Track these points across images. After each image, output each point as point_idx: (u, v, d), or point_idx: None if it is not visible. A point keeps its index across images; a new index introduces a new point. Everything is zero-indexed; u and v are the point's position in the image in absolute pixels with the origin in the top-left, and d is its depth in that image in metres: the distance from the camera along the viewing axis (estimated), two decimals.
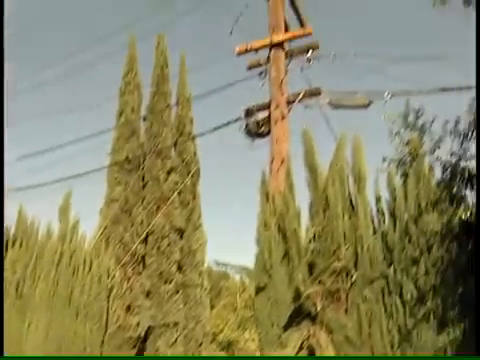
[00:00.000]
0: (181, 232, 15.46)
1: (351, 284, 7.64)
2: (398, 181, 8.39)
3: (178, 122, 16.04)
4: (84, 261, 12.20)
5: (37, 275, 12.08)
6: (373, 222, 8.10)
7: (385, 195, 8.30)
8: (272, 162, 8.14)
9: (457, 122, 8.77)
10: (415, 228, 7.81)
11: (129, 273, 14.55)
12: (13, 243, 12.65)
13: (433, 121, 9.14)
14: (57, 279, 11.95)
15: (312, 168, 7.78)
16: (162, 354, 13.36)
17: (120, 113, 16.08)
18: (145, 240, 15.02)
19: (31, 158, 13.83)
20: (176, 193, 14.98)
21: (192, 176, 15.59)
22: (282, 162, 7.97)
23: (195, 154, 16.01)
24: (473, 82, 8.66)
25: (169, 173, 15.43)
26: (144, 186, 15.65)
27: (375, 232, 7.99)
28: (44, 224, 12.92)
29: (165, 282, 14.51)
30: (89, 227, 15.15)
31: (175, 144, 15.39)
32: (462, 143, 8.99)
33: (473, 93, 8.61)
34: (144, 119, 15.97)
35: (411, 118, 9.13)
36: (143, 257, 14.84)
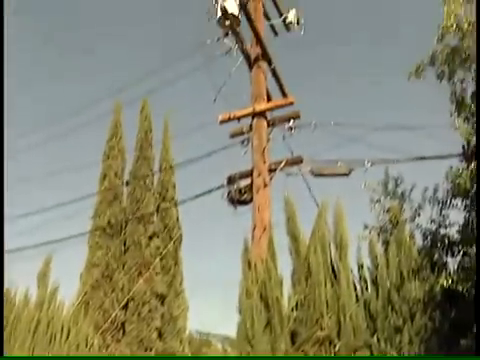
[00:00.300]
0: (162, 298, 15.23)
1: (334, 354, 7.51)
2: (380, 248, 8.45)
3: (161, 187, 16.12)
4: (62, 328, 11.87)
5: (12, 344, 11.71)
6: (356, 290, 8.06)
7: (367, 263, 8.33)
8: (254, 229, 8.16)
9: (435, 190, 8.99)
10: (398, 296, 7.80)
11: (108, 340, 14.19)
12: None
13: (412, 189, 9.36)
14: (33, 348, 11.58)
15: (294, 236, 7.81)
16: None
17: (103, 177, 16.13)
18: (125, 306, 14.74)
19: (11, 222, 13.67)
20: (158, 259, 14.84)
21: (174, 242, 15.51)
22: (264, 229, 7.99)
23: (178, 219, 16.01)
24: (449, 151, 8.92)
25: (151, 238, 15.36)
26: (126, 251, 15.53)
27: (358, 300, 7.94)
28: (22, 290, 12.64)
29: (145, 350, 14.16)
30: (68, 292, 14.87)
31: (158, 209, 15.38)
32: (441, 210, 9.15)
33: (450, 162, 8.85)
34: (127, 184, 16.04)
35: (391, 186, 9.33)
36: (123, 324, 14.52)
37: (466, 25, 7.98)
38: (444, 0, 8.03)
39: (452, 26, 7.96)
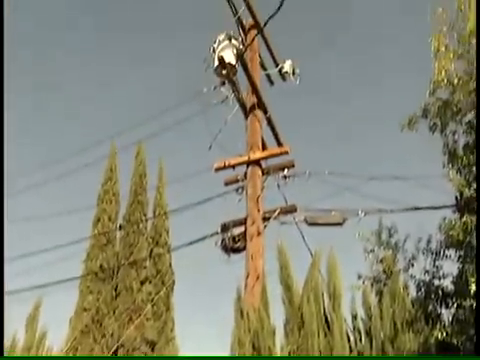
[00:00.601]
0: (153, 345, 14.97)
1: None
2: (373, 299, 8.39)
3: (154, 232, 16.08)
4: None
5: None
6: (349, 341, 7.97)
7: (361, 313, 8.26)
8: (247, 278, 8.10)
9: (429, 241, 9.01)
10: (392, 348, 7.70)
11: None
12: None
13: (406, 239, 9.38)
14: None
15: (287, 285, 7.77)
16: None
17: (97, 221, 16.10)
18: (115, 353, 14.47)
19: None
20: (149, 304, 14.67)
21: (167, 287, 15.37)
22: (257, 278, 7.94)
23: (170, 265, 15.91)
24: (442, 202, 8.97)
25: (143, 283, 15.22)
26: (117, 296, 15.36)
27: (351, 351, 7.84)
28: (9, 333, 12.40)
29: None
30: (57, 337, 14.59)
31: (150, 254, 15.31)
32: (435, 261, 9.15)
33: (443, 212, 8.91)
34: (120, 228, 16.00)
35: (384, 236, 9.35)
36: None
37: (456, 80, 8.18)
38: (435, 55, 8.26)
39: (443, 80, 8.16)
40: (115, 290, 15.29)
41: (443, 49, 8.17)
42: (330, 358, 7.39)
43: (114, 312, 15.03)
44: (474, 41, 8.01)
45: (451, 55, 8.17)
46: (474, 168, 7.85)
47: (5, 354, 11.91)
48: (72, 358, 10.63)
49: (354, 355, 7.75)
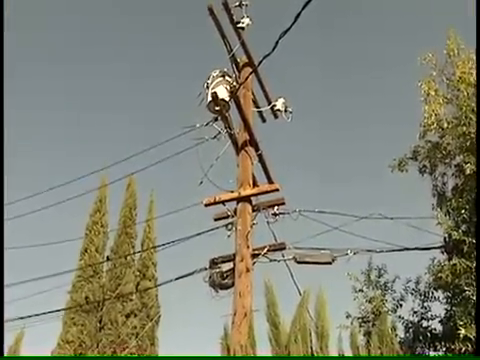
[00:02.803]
0: None
1: None
2: (361, 339, 8.32)
3: (142, 265, 15.94)
4: None
5: None
6: None
7: (348, 354, 8.16)
8: (235, 315, 8.01)
9: (418, 282, 9.02)
10: None
11: None
12: None
13: (395, 280, 9.36)
14: None
15: (274, 324, 7.68)
16: None
17: (84, 251, 15.95)
18: None
19: None
20: (134, 338, 14.44)
21: (152, 321, 15.17)
22: (245, 315, 7.86)
23: (157, 298, 15.72)
24: (431, 243, 9.00)
25: (128, 317, 15.02)
26: (101, 328, 15.11)
27: None
28: None
29: None
30: None
31: (137, 287, 15.14)
32: (423, 302, 9.14)
33: (432, 253, 8.93)
34: (108, 259, 15.85)
35: (373, 276, 9.33)
36: None
37: (446, 124, 8.32)
38: (425, 100, 8.41)
39: (433, 124, 8.29)
40: (100, 323, 15.05)
41: (433, 93, 8.33)
42: (330, 358, 7.29)
43: (98, 345, 14.76)
44: (463, 86, 8.18)
45: (441, 100, 8.33)
46: (463, 211, 7.91)
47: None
48: (72, 358, 10.39)
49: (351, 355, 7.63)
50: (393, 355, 7.30)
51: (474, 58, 8.78)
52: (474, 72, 8.42)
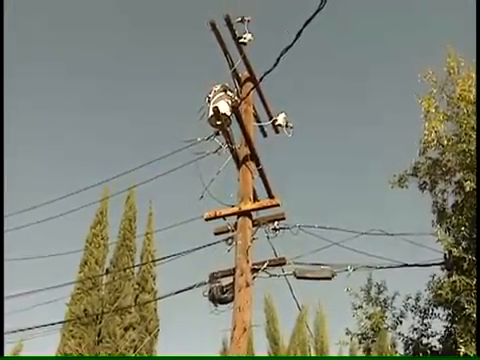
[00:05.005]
0: None
1: None
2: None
3: (141, 278, 15.89)
4: None
5: None
6: None
7: None
8: (234, 329, 7.99)
9: (417, 298, 8.99)
10: None
11: None
12: None
13: (394, 296, 9.34)
14: None
15: (274, 339, 7.69)
16: None
17: (84, 264, 15.91)
18: None
19: None
20: (133, 352, 14.37)
21: (150, 334, 15.10)
22: (244, 330, 7.83)
23: (156, 311, 15.66)
24: (431, 260, 8.99)
25: (127, 330, 14.94)
26: (99, 341, 15.03)
27: None
28: None
29: None
30: None
31: (136, 300, 15.09)
32: (423, 319, 9.10)
33: (432, 270, 8.91)
34: (107, 272, 15.81)
35: (373, 292, 9.31)
36: None
37: (446, 141, 8.35)
38: (425, 117, 8.45)
39: (433, 141, 8.32)
40: (98, 336, 14.97)
41: (433, 110, 8.37)
42: (330, 358, 7.28)
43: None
44: (463, 104, 8.23)
45: (441, 117, 8.36)
46: (463, 228, 7.92)
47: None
48: (71, 358, 10.31)
49: (354, 355, 7.62)
50: (393, 355, 7.30)
51: (474, 76, 8.83)
52: (474, 90, 8.47)
